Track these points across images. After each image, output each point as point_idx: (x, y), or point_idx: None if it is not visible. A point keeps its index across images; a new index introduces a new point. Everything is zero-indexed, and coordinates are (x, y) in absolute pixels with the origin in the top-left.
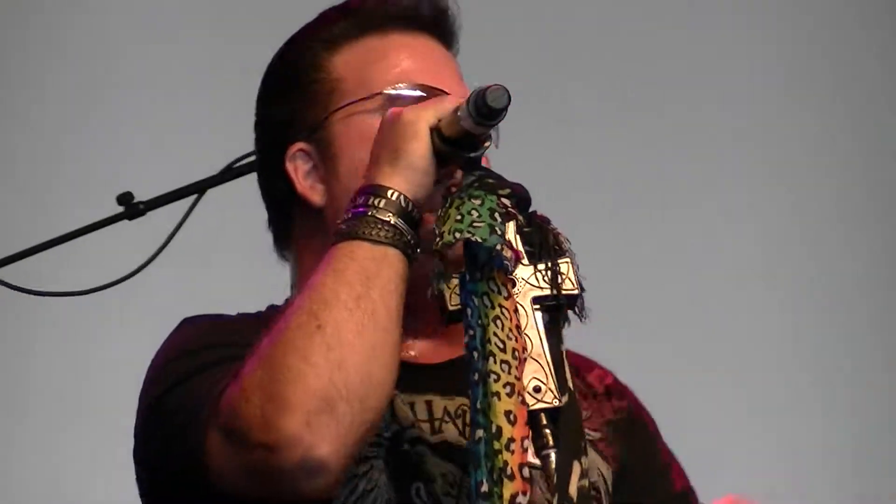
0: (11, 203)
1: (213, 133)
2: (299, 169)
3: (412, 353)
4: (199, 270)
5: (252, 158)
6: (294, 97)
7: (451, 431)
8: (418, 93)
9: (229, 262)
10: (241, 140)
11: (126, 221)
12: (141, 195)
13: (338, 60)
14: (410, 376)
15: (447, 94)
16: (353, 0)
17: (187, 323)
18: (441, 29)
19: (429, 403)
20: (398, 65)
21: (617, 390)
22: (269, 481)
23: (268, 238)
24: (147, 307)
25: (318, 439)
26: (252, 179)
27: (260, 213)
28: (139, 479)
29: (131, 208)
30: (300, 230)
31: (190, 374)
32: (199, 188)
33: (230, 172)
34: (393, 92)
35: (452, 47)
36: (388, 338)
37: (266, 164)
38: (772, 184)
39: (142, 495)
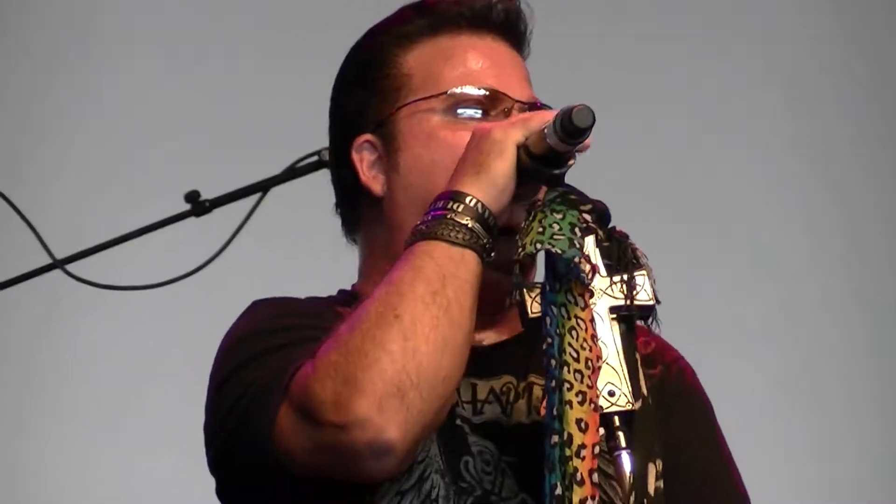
0: (86, 201)
1: (276, 133)
2: (364, 159)
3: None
4: (262, 266)
5: (314, 159)
6: (365, 90)
7: (492, 411)
8: (483, 92)
9: (291, 257)
10: (304, 140)
11: (193, 219)
12: (205, 193)
13: (408, 57)
14: (470, 360)
15: (508, 96)
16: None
17: (259, 304)
18: (511, 32)
19: (473, 386)
20: (465, 65)
21: (652, 359)
22: (337, 459)
23: (328, 235)
24: (213, 301)
25: (388, 423)
26: (313, 179)
27: (321, 212)
28: (209, 453)
29: (198, 206)
30: (364, 218)
31: (264, 352)
32: (262, 187)
33: (293, 172)
34: (458, 91)
35: (522, 50)
36: (459, 333)
37: (336, 152)
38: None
39: (212, 469)
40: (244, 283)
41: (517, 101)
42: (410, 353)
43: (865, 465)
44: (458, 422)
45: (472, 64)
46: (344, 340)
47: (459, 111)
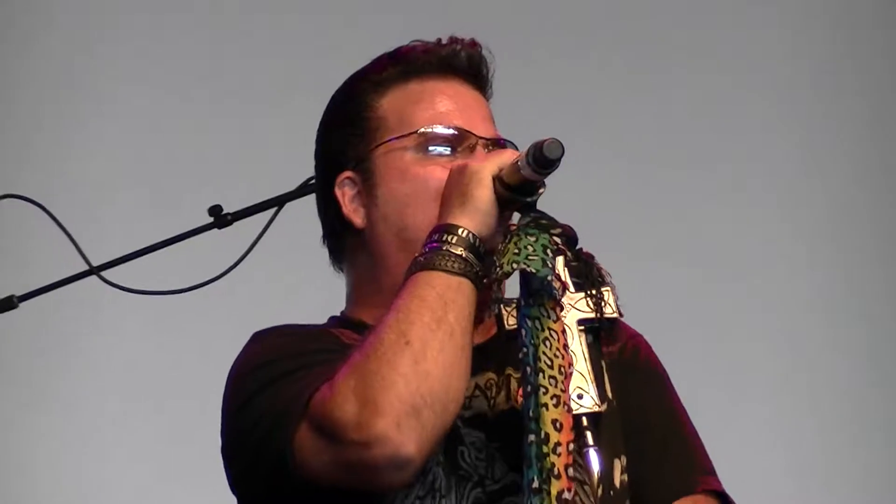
0: (117, 214)
1: (292, 151)
2: (346, 194)
3: None
4: (277, 272)
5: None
6: (346, 131)
7: (479, 405)
8: (450, 131)
9: (304, 265)
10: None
11: (216, 231)
12: (227, 207)
13: (383, 101)
14: None
15: (473, 134)
16: (403, 48)
17: (261, 334)
18: (474, 76)
19: (474, 382)
20: (433, 107)
21: (611, 338)
22: (358, 473)
23: None
24: (234, 304)
25: (406, 440)
26: None
27: None
28: (229, 473)
29: (220, 219)
30: (348, 248)
31: (277, 378)
32: (278, 202)
33: (306, 188)
34: (428, 130)
35: (486, 91)
36: (462, 354)
37: (321, 189)
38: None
39: (233, 488)
40: (262, 289)
41: (481, 138)
42: (423, 376)
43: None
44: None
45: (440, 106)
46: (360, 365)
47: (430, 148)
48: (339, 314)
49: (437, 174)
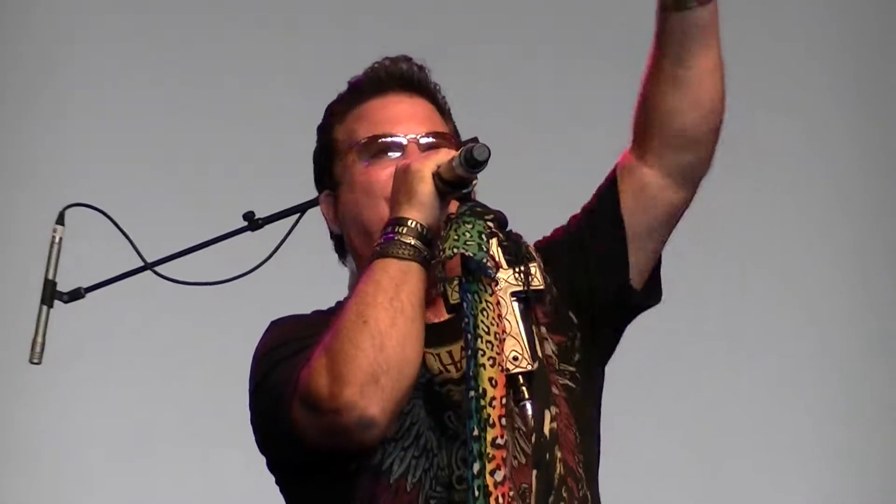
0: (166, 217)
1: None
2: (327, 209)
3: (430, 316)
4: (300, 268)
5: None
6: (319, 156)
7: (453, 370)
8: (383, 137)
9: (322, 262)
10: None
11: (249, 233)
12: (259, 213)
13: (340, 127)
14: (431, 334)
15: (402, 135)
16: (352, 79)
17: (276, 323)
18: (406, 85)
19: (437, 356)
20: (370, 121)
21: (529, 257)
22: (336, 436)
23: None
24: (264, 294)
25: (369, 403)
26: None
27: None
28: (259, 446)
29: (253, 223)
30: (341, 249)
31: (281, 360)
32: (301, 208)
33: None
34: (363, 141)
35: (426, 95)
36: (414, 326)
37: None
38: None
39: (261, 450)
40: (288, 282)
41: (411, 137)
42: (379, 348)
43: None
44: (436, 388)
45: (375, 119)
46: (329, 345)
47: (371, 156)
48: (342, 299)
49: (379, 176)
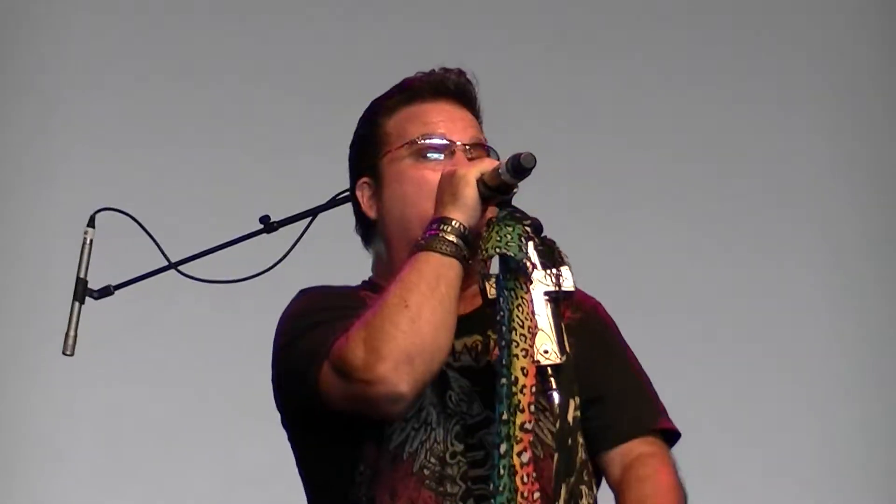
0: (189, 220)
1: (324, 171)
2: (364, 195)
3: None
4: (312, 268)
5: (348, 193)
6: (362, 146)
7: (466, 359)
8: (435, 140)
9: (333, 261)
10: (344, 177)
11: (265, 235)
12: (274, 216)
13: (390, 121)
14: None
15: (453, 140)
16: (406, 80)
17: (306, 291)
18: (461, 96)
19: (464, 343)
20: (424, 122)
21: (576, 307)
22: (361, 403)
23: (358, 248)
24: (275, 294)
25: (401, 381)
26: (348, 208)
27: (353, 233)
28: (276, 402)
29: (269, 226)
30: (369, 234)
31: (312, 326)
32: (312, 213)
33: (334, 202)
34: (418, 140)
35: (472, 108)
36: (449, 317)
37: (351, 191)
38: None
39: (278, 407)
40: (300, 280)
41: (461, 143)
42: (417, 332)
43: None
44: (445, 370)
45: (429, 121)
46: (369, 321)
47: (422, 155)
48: (367, 279)
49: (429, 177)
